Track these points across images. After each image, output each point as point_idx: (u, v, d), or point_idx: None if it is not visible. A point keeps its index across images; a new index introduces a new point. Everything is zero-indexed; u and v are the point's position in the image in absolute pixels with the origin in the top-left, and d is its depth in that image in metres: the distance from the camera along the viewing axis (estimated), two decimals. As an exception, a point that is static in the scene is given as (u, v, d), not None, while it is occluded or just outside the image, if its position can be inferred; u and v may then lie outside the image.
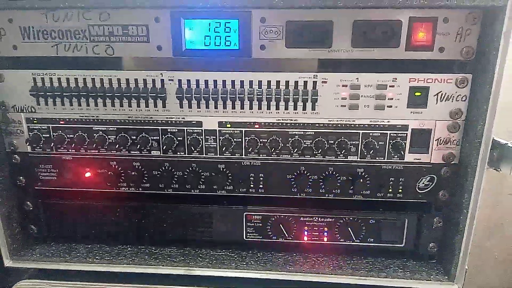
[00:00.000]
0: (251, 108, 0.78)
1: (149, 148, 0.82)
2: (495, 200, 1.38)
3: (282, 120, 0.78)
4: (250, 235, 0.87)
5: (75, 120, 0.81)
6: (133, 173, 0.83)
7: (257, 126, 0.79)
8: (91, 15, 0.75)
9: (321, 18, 0.72)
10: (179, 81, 0.77)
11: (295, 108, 0.77)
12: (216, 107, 0.78)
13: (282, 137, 0.79)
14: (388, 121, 0.76)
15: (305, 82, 0.75)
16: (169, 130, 0.80)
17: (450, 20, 0.70)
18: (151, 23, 0.74)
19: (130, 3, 0.70)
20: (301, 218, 0.85)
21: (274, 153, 0.80)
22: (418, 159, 0.78)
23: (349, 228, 0.84)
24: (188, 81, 0.77)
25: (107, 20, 0.75)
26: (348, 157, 0.79)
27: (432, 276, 0.81)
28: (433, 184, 0.80)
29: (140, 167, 0.83)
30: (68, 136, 0.82)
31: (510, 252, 1.43)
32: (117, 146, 0.81)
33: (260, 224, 0.86)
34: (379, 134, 0.77)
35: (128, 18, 0.74)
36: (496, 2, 0.64)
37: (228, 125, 0.79)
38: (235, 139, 0.80)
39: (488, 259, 1.43)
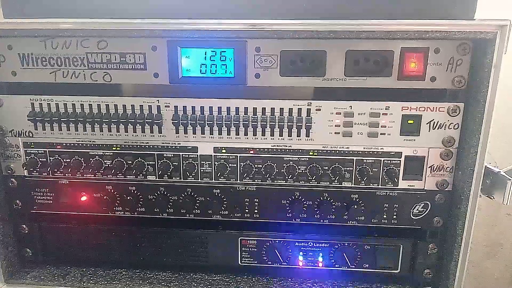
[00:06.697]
0: (246, 134, 0.78)
1: (144, 172, 0.82)
2: (493, 220, 1.38)
3: (277, 146, 0.79)
4: (245, 260, 0.87)
5: (72, 144, 0.82)
6: (128, 198, 0.83)
7: (252, 152, 0.79)
8: (89, 43, 0.76)
9: (314, 48, 0.73)
10: (175, 107, 0.78)
11: (289, 134, 0.78)
12: (211, 133, 0.79)
13: (277, 163, 0.79)
14: (382, 148, 0.77)
15: (299, 110, 0.76)
16: (164, 155, 0.81)
17: (441, 51, 0.71)
18: (148, 51, 0.76)
19: (128, 33, 0.71)
20: (296, 244, 0.85)
21: (269, 179, 0.81)
22: (412, 185, 0.79)
23: (344, 254, 0.84)
24: (184, 107, 0.78)
25: (105, 48, 0.76)
26: (343, 183, 0.80)
27: (427, 303, 0.81)
28: (427, 210, 0.80)
29: (135, 191, 0.84)
30: (64, 160, 0.82)
31: (509, 272, 1.42)
32: (113, 171, 0.82)
33: (255, 249, 0.86)
34: (372, 161, 0.78)
35: (126, 47, 0.76)
36: (485, 34, 0.65)
37: (223, 151, 0.80)
38: (230, 165, 0.80)
39: (487, 279, 1.42)
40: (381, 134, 0.76)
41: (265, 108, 0.76)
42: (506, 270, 1.42)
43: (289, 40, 0.72)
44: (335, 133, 0.77)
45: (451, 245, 0.78)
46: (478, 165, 0.71)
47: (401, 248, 0.83)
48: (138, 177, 0.83)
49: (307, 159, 0.79)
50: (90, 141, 0.81)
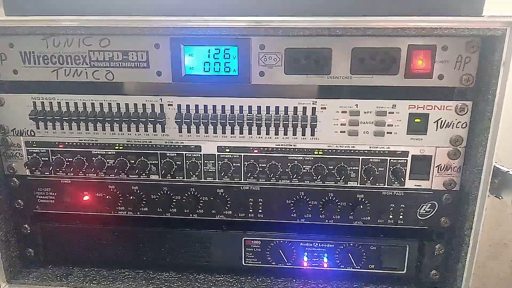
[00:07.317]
0: (250, 133, 0.77)
1: (147, 172, 0.81)
2: (498, 220, 1.37)
3: (281, 145, 0.78)
4: (249, 261, 0.86)
5: (74, 144, 0.81)
6: (131, 197, 0.82)
7: (256, 151, 0.78)
8: (92, 41, 0.75)
9: (320, 45, 0.72)
10: (179, 106, 0.77)
11: (294, 133, 0.77)
12: (215, 132, 0.78)
13: (281, 162, 0.78)
14: (388, 147, 0.76)
15: (304, 108, 0.75)
16: (168, 154, 0.80)
17: (449, 48, 0.70)
18: (151, 49, 0.75)
19: (130, 31, 0.70)
20: (301, 244, 0.84)
21: (273, 178, 0.80)
22: (419, 185, 0.77)
23: (349, 254, 0.83)
24: (187, 106, 0.77)
25: (107, 46, 0.75)
26: (348, 183, 0.78)
27: (434, 304, 0.80)
28: (434, 210, 0.79)
29: (138, 191, 0.83)
30: (66, 159, 0.82)
31: (514, 272, 1.41)
32: (115, 170, 0.81)
33: (259, 250, 0.85)
34: (379, 160, 0.77)
35: (128, 44, 0.75)
36: (494, 31, 0.64)
37: (227, 150, 0.79)
38: (234, 164, 0.79)
39: (492, 279, 1.41)
40: (387, 133, 0.75)
41: (269, 106, 0.75)
42: (510, 270, 1.40)
43: (294, 37, 0.71)
44: (340, 132, 0.76)
45: (459, 246, 0.77)
46: (486, 165, 0.70)
47: (408, 248, 0.82)
48: (141, 176, 0.82)
49: (312, 158, 0.78)
50: (93, 140, 0.80)
